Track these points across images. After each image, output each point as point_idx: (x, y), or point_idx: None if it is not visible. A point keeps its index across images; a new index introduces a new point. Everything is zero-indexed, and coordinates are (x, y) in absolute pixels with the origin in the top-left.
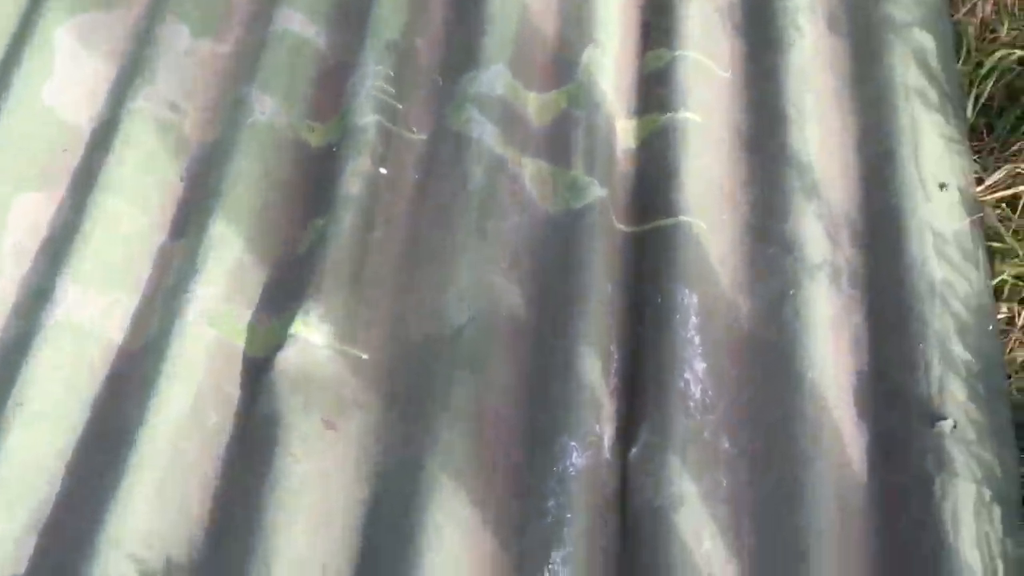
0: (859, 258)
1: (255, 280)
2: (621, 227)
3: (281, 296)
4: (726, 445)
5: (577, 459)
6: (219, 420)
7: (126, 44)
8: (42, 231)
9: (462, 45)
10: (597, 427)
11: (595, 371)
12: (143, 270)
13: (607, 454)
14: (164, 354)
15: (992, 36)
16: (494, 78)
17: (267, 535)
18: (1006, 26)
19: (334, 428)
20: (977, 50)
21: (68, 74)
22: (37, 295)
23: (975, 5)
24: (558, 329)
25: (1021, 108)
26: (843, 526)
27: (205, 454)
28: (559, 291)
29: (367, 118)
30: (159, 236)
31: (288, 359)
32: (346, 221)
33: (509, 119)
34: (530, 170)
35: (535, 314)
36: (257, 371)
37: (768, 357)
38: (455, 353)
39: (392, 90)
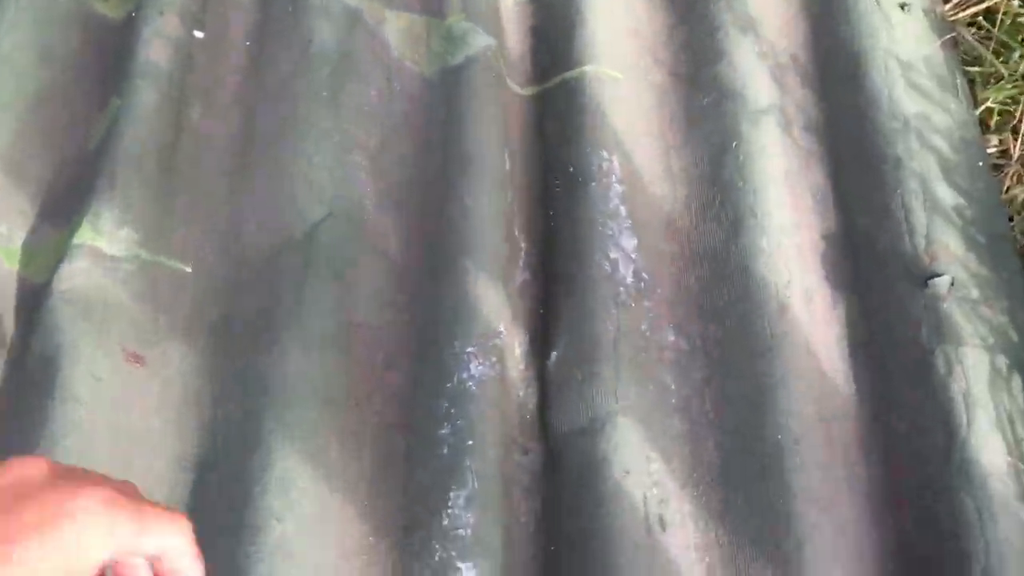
0: (812, 101)
1: (31, 185)
2: (517, 89)
3: (71, 202)
4: (671, 338)
5: (476, 369)
6: None
7: None
8: None
9: None
10: (501, 328)
11: (495, 262)
12: None
13: (520, 365)
14: None
15: None
16: None
17: None
18: None
19: (141, 363)
20: None
21: None
22: None
23: None
24: (443, 216)
25: None
26: (825, 422)
27: None
28: (441, 169)
29: None
30: None
31: (72, 276)
32: (147, 94)
33: None
34: (394, 25)
35: (412, 201)
36: (37, 300)
37: (712, 226)
38: (310, 258)
39: None
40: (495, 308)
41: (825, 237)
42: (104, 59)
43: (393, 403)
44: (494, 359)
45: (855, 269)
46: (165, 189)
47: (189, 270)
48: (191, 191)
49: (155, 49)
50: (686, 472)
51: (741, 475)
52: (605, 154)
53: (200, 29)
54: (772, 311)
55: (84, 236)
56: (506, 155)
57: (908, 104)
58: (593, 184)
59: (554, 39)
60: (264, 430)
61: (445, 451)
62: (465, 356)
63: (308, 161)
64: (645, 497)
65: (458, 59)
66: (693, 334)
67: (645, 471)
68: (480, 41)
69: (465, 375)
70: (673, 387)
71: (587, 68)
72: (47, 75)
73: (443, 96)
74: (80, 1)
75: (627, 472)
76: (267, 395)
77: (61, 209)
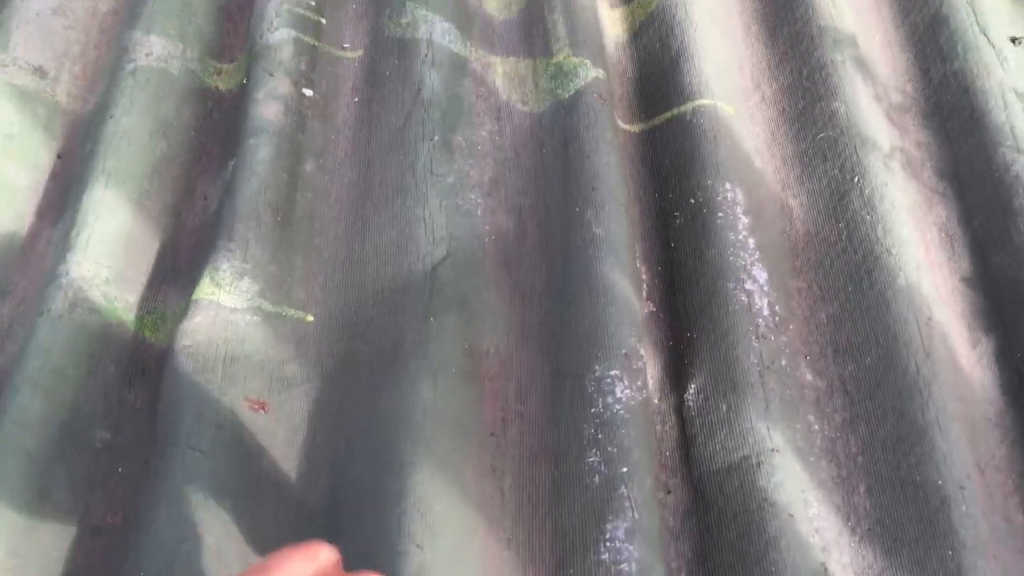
0: (930, 139)
1: (154, 253)
2: (626, 127)
3: (195, 265)
4: (808, 377)
5: (623, 393)
6: (111, 436)
7: None
8: None
9: None
10: (641, 349)
11: (630, 284)
12: (10, 271)
13: (654, 398)
14: (25, 360)
15: None
16: None
17: None
18: None
19: (264, 409)
20: None
21: None
22: None
23: None
24: (569, 242)
25: None
26: (980, 470)
27: (92, 496)
28: (562, 196)
29: (279, 33)
30: (36, 226)
31: (193, 332)
32: (261, 151)
33: (463, 14)
34: (501, 70)
35: (534, 236)
36: (162, 362)
37: (840, 262)
38: (432, 292)
39: (311, 2)
40: (636, 329)
41: (957, 275)
42: (219, 129)
43: (532, 432)
44: (639, 383)
45: (994, 309)
46: (283, 241)
47: (311, 319)
48: (309, 242)
49: (267, 108)
50: (841, 519)
51: (901, 524)
52: (728, 185)
53: (309, 87)
54: (916, 349)
55: (203, 291)
56: (623, 187)
57: None
58: (720, 215)
59: (658, 76)
60: (398, 461)
61: (596, 481)
62: (609, 378)
63: (425, 205)
64: (812, 543)
65: (569, 91)
66: (830, 374)
67: (805, 516)
68: (590, 72)
69: (611, 399)
70: (816, 427)
71: (700, 102)
72: (164, 147)
73: (559, 128)
74: (194, 77)
75: (791, 515)
76: (398, 426)
77: (186, 274)
